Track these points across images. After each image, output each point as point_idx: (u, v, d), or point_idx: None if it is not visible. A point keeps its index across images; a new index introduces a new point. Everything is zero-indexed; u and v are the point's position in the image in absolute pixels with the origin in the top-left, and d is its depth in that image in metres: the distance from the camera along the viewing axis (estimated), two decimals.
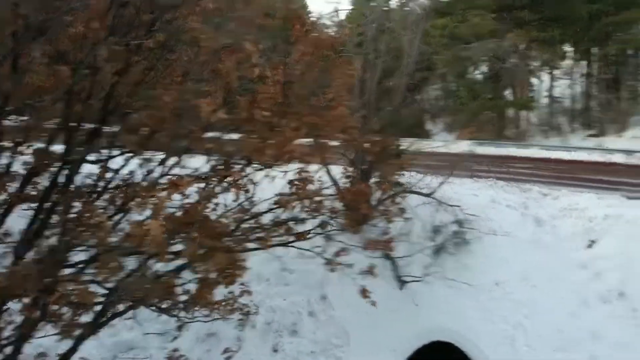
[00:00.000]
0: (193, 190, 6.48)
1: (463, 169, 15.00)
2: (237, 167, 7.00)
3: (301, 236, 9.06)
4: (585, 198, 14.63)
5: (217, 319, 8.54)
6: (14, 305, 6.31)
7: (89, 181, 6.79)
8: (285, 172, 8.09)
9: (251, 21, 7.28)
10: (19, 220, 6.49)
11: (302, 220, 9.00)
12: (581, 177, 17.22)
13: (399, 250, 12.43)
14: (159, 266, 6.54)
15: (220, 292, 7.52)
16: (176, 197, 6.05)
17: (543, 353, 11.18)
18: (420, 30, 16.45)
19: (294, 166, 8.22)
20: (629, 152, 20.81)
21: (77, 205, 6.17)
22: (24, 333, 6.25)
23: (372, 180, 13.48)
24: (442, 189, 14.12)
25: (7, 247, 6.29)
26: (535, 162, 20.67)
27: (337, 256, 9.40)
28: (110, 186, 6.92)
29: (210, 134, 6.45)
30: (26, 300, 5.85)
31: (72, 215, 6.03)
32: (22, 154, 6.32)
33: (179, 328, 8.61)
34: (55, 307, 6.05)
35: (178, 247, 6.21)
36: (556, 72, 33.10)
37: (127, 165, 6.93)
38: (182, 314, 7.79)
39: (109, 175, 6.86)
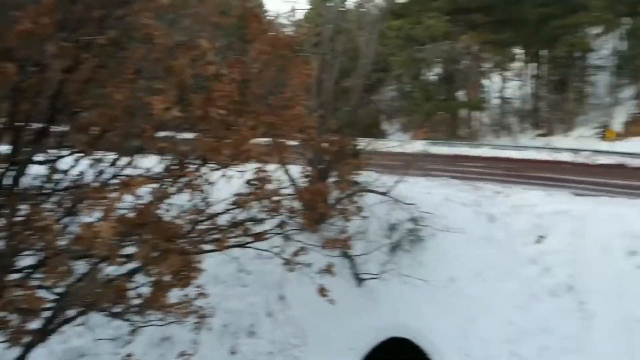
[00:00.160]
0: (146, 191, 6.34)
1: (418, 168, 15.25)
2: (192, 167, 6.89)
3: (259, 236, 9.03)
4: (534, 195, 15.12)
5: (172, 322, 8.39)
6: None
7: (36, 183, 6.54)
8: (243, 171, 8.03)
9: (206, 19, 7.18)
10: None
11: (260, 221, 8.98)
12: (531, 175, 17.86)
13: (356, 249, 12.55)
14: (111, 269, 6.37)
15: (175, 295, 7.39)
16: (128, 198, 5.91)
17: (495, 346, 11.50)
18: (377, 32, 16.61)
19: (252, 166, 8.18)
20: (575, 150, 21.75)
21: (24, 207, 5.94)
22: None
23: (330, 179, 13.54)
24: (398, 187, 14.33)
25: None
26: (487, 161, 21.31)
27: (295, 256, 9.41)
28: (59, 188, 6.69)
29: (163, 133, 6.32)
30: None
31: (18, 218, 5.80)
32: None
33: (132, 332, 8.39)
34: (2, 313, 5.82)
35: (131, 249, 6.07)
36: (507, 73, 34.21)
37: (77, 166, 6.73)
38: (136, 318, 7.61)
39: (57, 176, 6.63)
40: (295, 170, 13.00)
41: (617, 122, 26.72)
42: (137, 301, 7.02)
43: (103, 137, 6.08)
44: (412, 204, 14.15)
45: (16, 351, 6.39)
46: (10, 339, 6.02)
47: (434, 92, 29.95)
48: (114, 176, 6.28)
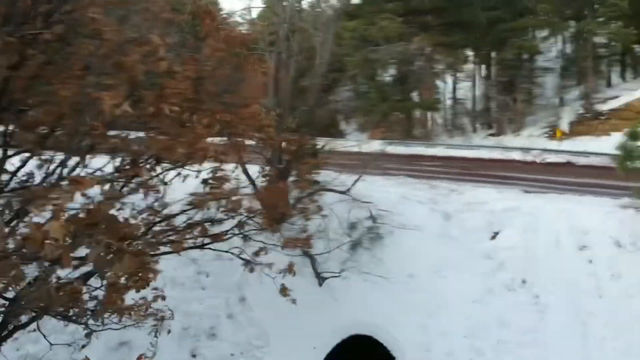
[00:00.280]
0: (98, 191, 6.13)
1: (375, 167, 15.43)
2: (146, 166, 6.71)
3: (218, 237, 8.89)
4: (487, 193, 15.56)
5: (129, 325, 8.15)
6: None
7: None
8: (199, 171, 7.88)
9: (158, 15, 7.03)
10: None
11: (219, 221, 8.84)
12: (483, 174, 18.38)
13: (317, 247, 12.58)
14: (64, 273, 6.13)
15: (131, 298, 7.18)
16: (80, 198, 5.69)
17: (454, 340, 11.73)
18: (332, 32, 16.69)
19: (208, 165, 8.04)
20: (525, 149, 22.48)
21: None
22: None
23: (290, 178, 13.52)
24: (356, 186, 14.46)
25: None
26: (441, 160, 21.79)
27: (256, 256, 9.32)
28: (6, 189, 6.40)
29: (115, 132, 6.14)
30: None
31: None
32: None
33: (88, 336, 8.10)
34: None
35: (84, 252, 5.85)
36: (459, 75, 35.04)
37: (25, 167, 6.45)
38: (91, 321, 7.36)
39: (4, 177, 6.34)
40: (254, 169, 12.91)
41: (565, 122, 27.74)
42: (92, 304, 6.79)
43: (51, 136, 5.84)
44: (370, 203, 14.31)
45: None
46: None
47: (389, 92, 30.30)
48: (63, 177, 6.04)
